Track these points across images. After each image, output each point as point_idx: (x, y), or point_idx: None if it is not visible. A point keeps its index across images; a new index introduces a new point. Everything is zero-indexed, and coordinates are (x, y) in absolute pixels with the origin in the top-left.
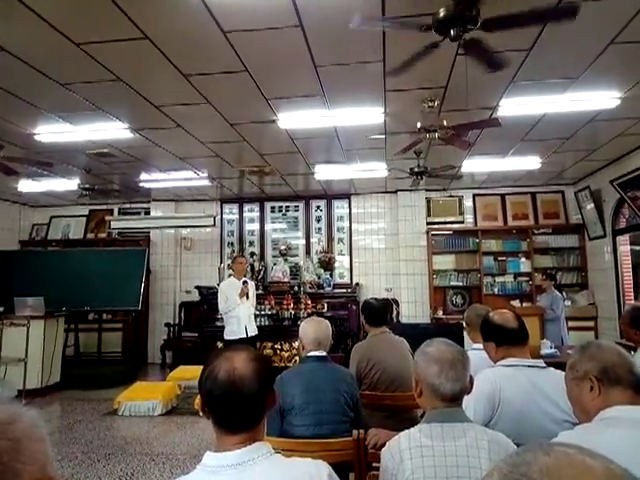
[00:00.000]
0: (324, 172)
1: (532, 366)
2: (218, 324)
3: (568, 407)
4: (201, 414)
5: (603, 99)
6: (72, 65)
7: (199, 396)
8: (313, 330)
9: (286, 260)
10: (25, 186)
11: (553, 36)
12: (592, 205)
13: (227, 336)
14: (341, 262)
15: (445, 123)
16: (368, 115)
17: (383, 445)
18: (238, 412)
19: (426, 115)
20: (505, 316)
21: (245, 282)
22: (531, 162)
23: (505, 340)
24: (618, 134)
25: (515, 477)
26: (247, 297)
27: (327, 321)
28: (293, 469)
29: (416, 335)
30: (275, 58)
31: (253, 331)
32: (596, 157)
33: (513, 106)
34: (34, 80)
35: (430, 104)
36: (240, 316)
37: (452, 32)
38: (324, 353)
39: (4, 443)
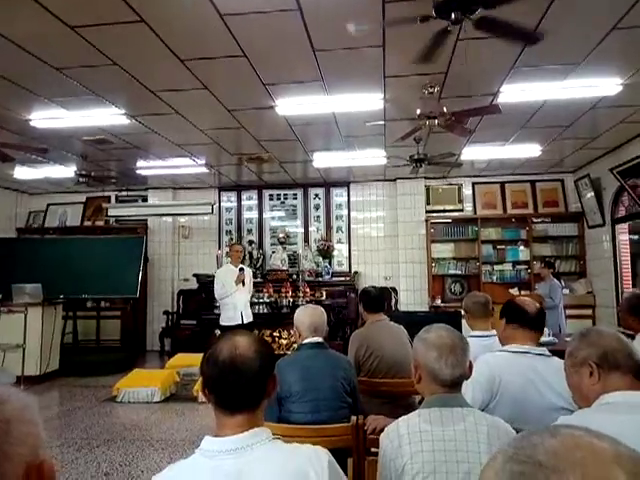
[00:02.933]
0: (323, 160)
1: (537, 354)
2: (216, 312)
3: (569, 395)
4: (199, 399)
5: (605, 86)
6: (67, 49)
7: (200, 380)
8: (309, 316)
9: (285, 248)
10: (21, 173)
11: (555, 21)
12: (592, 193)
13: (223, 322)
14: (340, 250)
15: (445, 110)
16: (367, 101)
17: (382, 430)
18: (239, 392)
19: (426, 101)
20: (527, 301)
21: (242, 269)
22: (531, 150)
23: (515, 319)
24: (619, 121)
25: (521, 459)
26: (243, 284)
27: (321, 307)
28: (293, 455)
29: (414, 323)
30: (273, 42)
31: (249, 317)
32: (596, 145)
33: (514, 92)
34: (28, 64)
35: (430, 90)
36: (236, 302)
37: (453, 15)
38: (321, 339)
39: None
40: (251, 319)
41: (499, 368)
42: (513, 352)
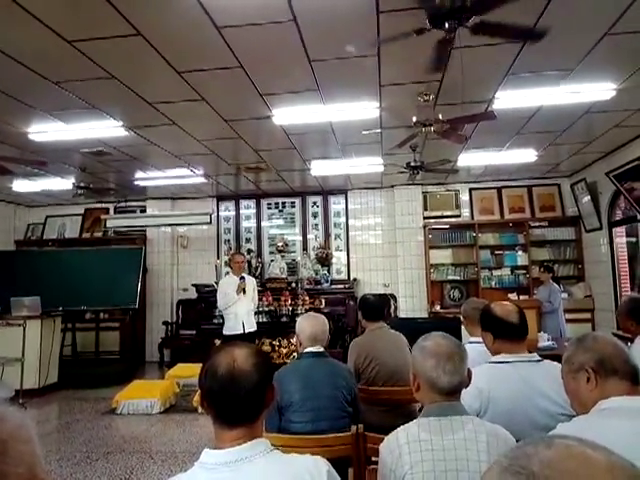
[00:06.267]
0: (320, 168)
1: (526, 361)
2: (215, 322)
3: (563, 400)
4: (199, 410)
5: (598, 91)
6: (64, 63)
7: (199, 392)
8: (310, 326)
9: (283, 257)
10: (20, 186)
11: (549, 27)
12: (588, 197)
13: (225, 332)
14: (338, 258)
15: (441, 117)
16: (363, 110)
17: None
18: (237, 406)
19: (421, 109)
20: (507, 308)
21: (242, 278)
22: (527, 155)
23: (503, 333)
24: (614, 125)
25: (515, 470)
26: (244, 292)
27: (324, 316)
28: (292, 466)
29: (414, 330)
30: (269, 53)
31: (251, 327)
32: (592, 149)
33: (509, 99)
34: (26, 78)
35: (425, 98)
36: (238, 312)
37: (447, 25)
38: (321, 349)
39: None
40: (254, 328)
41: (486, 382)
42: (501, 362)
